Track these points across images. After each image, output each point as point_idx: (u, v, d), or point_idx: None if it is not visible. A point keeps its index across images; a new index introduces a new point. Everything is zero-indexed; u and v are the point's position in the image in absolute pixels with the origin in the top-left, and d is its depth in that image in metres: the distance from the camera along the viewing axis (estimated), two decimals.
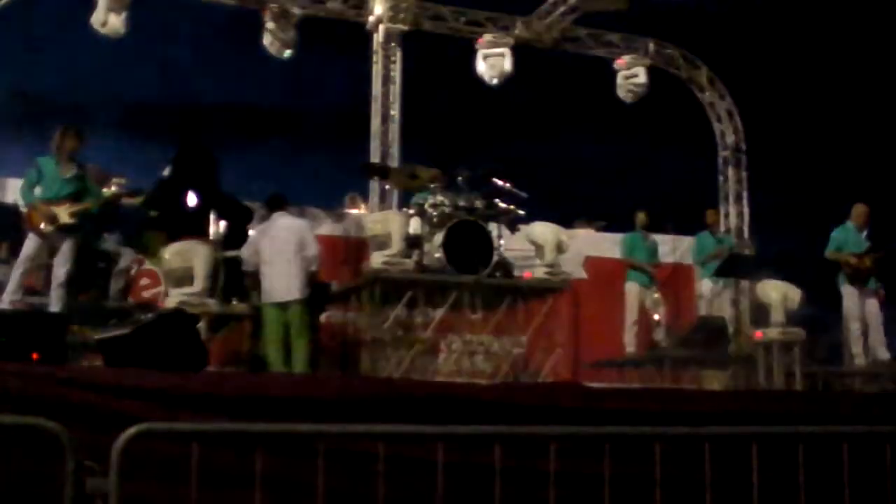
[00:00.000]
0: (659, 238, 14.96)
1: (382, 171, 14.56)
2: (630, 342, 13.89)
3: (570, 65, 20.18)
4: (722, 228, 15.75)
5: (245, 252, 11.32)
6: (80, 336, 9.40)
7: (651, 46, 19.41)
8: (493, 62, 18.11)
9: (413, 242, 11.91)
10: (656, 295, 14.01)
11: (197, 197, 11.77)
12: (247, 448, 4.35)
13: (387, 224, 11.90)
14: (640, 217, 14.28)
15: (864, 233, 13.40)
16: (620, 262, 14.58)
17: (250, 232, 12.05)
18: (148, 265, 12.43)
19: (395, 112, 17.64)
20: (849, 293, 13.22)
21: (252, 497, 4.10)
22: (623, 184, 22.53)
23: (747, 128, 19.93)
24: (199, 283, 10.91)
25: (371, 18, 17.82)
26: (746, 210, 19.55)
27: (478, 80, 18.29)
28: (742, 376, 13.43)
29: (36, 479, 4.60)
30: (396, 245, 11.65)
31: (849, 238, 13.38)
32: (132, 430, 3.90)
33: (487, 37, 18.20)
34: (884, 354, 13.07)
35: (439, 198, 12.08)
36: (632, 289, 13.97)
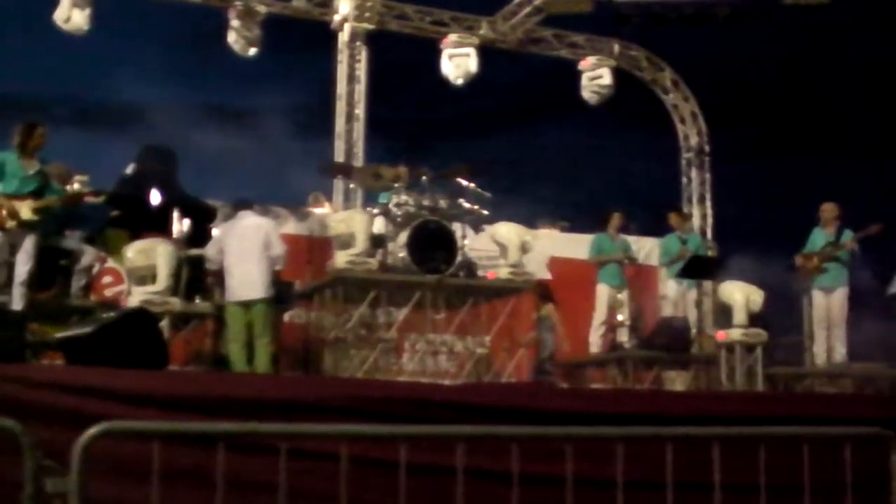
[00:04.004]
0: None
1: (346, 171, 14.54)
2: (595, 342, 13.92)
3: (534, 66, 20.26)
4: (687, 229, 15.76)
5: (209, 250, 11.26)
6: (41, 334, 9.33)
7: (616, 48, 19.50)
8: (458, 62, 18.14)
9: (377, 242, 11.91)
10: (620, 295, 14.02)
11: (160, 195, 11.70)
12: (209, 447, 4.32)
13: (351, 223, 11.88)
14: (615, 218, 14.22)
15: (833, 232, 13.39)
16: (584, 262, 14.56)
17: (213, 230, 12.00)
18: (110, 263, 12.38)
19: (359, 111, 17.63)
20: (817, 294, 13.31)
21: (214, 496, 4.08)
22: (587, 185, 22.58)
23: (712, 130, 20.05)
24: (161, 282, 10.87)
25: (336, 17, 17.80)
26: (710, 212, 19.67)
27: (443, 81, 18.30)
28: (704, 377, 13.49)
29: None
30: (360, 244, 11.63)
31: (817, 240, 13.45)
32: (93, 430, 3.87)
33: (453, 37, 18.22)
34: (841, 354, 13.14)
35: (403, 197, 12.07)
36: (602, 290, 13.96)
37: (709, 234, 19.41)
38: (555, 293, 14.52)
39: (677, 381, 13.92)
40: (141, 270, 11.11)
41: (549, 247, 15.75)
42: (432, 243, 11.80)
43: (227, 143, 18.00)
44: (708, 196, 19.79)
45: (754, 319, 13.08)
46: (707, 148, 19.98)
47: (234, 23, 16.96)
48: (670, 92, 20.11)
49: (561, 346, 14.26)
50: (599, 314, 13.95)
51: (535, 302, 14.09)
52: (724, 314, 13.80)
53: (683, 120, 20.10)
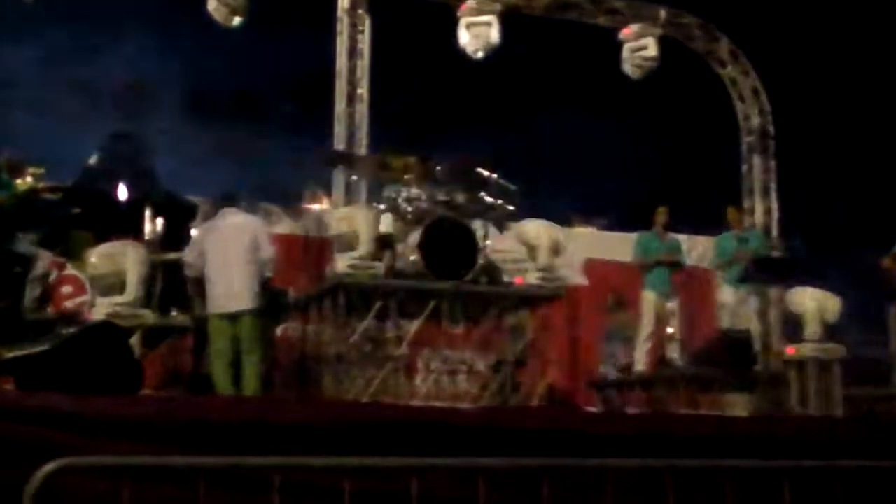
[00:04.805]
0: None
1: (348, 160, 14.54)
2: (640, 359, 13.89)
3: (567, 35, 20.18)
4: (747, 226, 15.70)
5: (188, 254, 11.27)
6: None
7: (662, 14, 19.44)
8: (477, 32, 18.11)
9: (384, 243, 11.90)
10: (669, 304, 13.97)
11: (129, 190, 11.71)
12: (189, 484, 4.31)
13: (353, 221, 11.88)
14: (660, 213, 14.21)
15: None
16: (627, 265, 14.53)
17: (193, 231, 12.00)
18: (70, 270, 12.35)
19: (362, 91, 17.62)
20: None
21: None
22: (629, 175, 22.50)
23: (776, 109, 19.96)
24: (131, 291, 10.88)
25: None
26: (775, 205, 19.60)
27: (460, 54, 18.28)
28: (770, 399, 13.45)
29: None
30: (365, 246, 11.62)
31: None
32: (50, 466, 3.85)
33: (471, 3, 18.19)
34: None
35: (415, 191, 12.08)
36: (649, 298, 13.92)
37: (773, 232, 19.34)
38: (629, 301, 14.57)
39: (738, 404, 13.87)
40: (107, 278, 11.12)
41: (584, 247, 15.78)
42: (449, 244, 11.78)
43: (208, 128, 17.99)
44: (773, 187, 19.71)
45: (830, 331, 13.04)
46: (771, 130, 19.90)
47: None
48: (728, 65, 20.05)
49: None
50: (646, 326, 13.92)
51: (607, 310, 14.18)
52: (793, 326, 13.77)
53: (743, 97, 20.04)
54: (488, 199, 12.38)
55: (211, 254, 11.10)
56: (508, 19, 18.37)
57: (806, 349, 12.93)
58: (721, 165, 20.49)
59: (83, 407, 5.61)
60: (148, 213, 11.77)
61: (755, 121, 20.00)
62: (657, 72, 19.15)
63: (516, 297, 12.33)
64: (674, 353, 13.78)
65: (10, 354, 7.80)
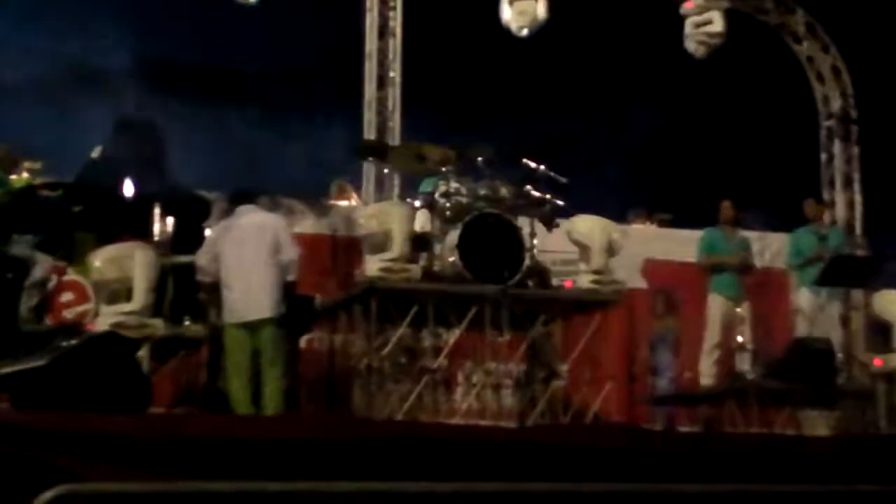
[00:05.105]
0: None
1: (379, 151, 14.53)
2: (707, 371, 13.84)
3: (621, 10, 20.13)
4: (827, 221, 15.63)
5: (201, 257, 11.30)
6: None
7: None
8: (521, 8, 18.07)
9: (420, 243, 11.90)
10: (739, 309, 13.90)
11: (136, 186, 11.75)
12: None
13: (385, 219, 11.88)
14: (725, 208, 14.16)
15: None
16: (691, 266, 14.49)
17: (207, 231, 12.04)
18: (71, 275, 12.42)
19: (394, 74, 17.64)
20: None
21: None
22: (694, 165, 22.44)
23: (859, 90, 19.83)
24: (139, 299, 10.91)
25: None
26: (858, 198, 19.49)
27: (503, 32, 18.26)
28: (855, 417, 13.37)
29: None
30: (398, 246, 11.62)
31: None
32: (49, 494, 3.86)
33: None
34: None
35: (453, 185, 12.06)
36: (716, 302, 13.87)
37: (857, 228, 19.24)
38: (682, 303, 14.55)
39: (819, 422, 13.81)
40: (112, 284, 11.15)
41: (643, 247, 15.69)
42: (491, 244, 11.76)
43: (225, 116, 18.06)
44: (856, 177, 19.60)
45: None
46: (854, 114, 19.79)
47: None
48: (804, 40, 19.95)
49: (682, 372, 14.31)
50: (712, 334, 13.88)
51: (653, 313, 14.15)
52: (880, 334, 13.69)
53: (822, 77, 19.93)
54: (535, 193, 12.34)
55: (227, 256, 11.13)
56: None
57: (895, 360, 12.85)
58: (797, 154, 20.39)
59: (85, 427, 5.63)
60: (157, 211, 11.80)
61: (835, 104, 19.90)
62: (723, 49, 19.06)
63: (567, 302, 12.30)
64: (744, 364, 13.69)
65: (5, 370, 7.83)
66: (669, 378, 14.55)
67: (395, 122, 17.45)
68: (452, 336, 12.11)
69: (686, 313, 15.01)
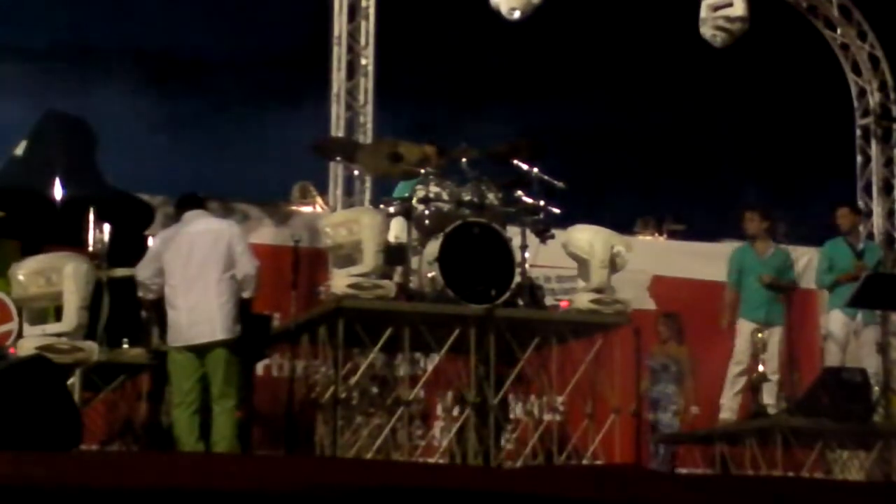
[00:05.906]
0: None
1: (347, 149, 14.53)
2: (729, 404, 13.86)
3: None
4: (863, 233, 15.66)
5: (143, 270, 11.29)
6: None
7: None
8: None
9: (394, 255, 11.88)
10: (761, 335, 13.89)
11: (67, 187, 11.73)
12: None
13: (355, 228, 11.86)
14: (749, 220, 14.16)
15: None
16: (706, 284, 14.51)
17: (150, 240, 12.02)
18: None
19: (366, 62, 17.62)
20: None
21: None
22: (710, 167, 22.52)
23: None
24: (70, 318, 10.88)
25: None
26: None
27: (491, 15, 18.29)
28: (894, 459, 13.39)
29: None
30: (370, 259, 11.60)
31: None
32: None
33: None
34: None
35: (433, 189, 12.07)
36: (744, 329, 13.88)
37: None
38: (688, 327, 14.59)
39: (852, 463, 13.82)
40: (39, 301, 11.13)
41: (652, 261, 15.72)
42: (477, 257, 11.77)
43: (170, 109, 18.07)
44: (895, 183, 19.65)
45: None
46: (895, 111, 19.83)
47: None
48: (838, 26, 19.99)
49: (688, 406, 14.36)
50: (737, 363, 13.89)
51: (658, 338, 14.19)
52: None
53: (858, 68, 19.97)
54: (527, 198, 12.35)
55: (172, 269, 11.12)
56: None
57: None
58: (829, 155, 20.46)
59: (6, 467, 5.60)
60: (91, 216, 11.78)
61: (873, 99, 19.94)
62: (746, 36, 19.09)
63: (564, 324, 12.30)
64: (768, 397, 13.70)
65: None
66: (673, 412, 14.53)
67: (367, 115, 17.41)
68: (431, 363, 12.13)
69: (697, 339, 14.97)
